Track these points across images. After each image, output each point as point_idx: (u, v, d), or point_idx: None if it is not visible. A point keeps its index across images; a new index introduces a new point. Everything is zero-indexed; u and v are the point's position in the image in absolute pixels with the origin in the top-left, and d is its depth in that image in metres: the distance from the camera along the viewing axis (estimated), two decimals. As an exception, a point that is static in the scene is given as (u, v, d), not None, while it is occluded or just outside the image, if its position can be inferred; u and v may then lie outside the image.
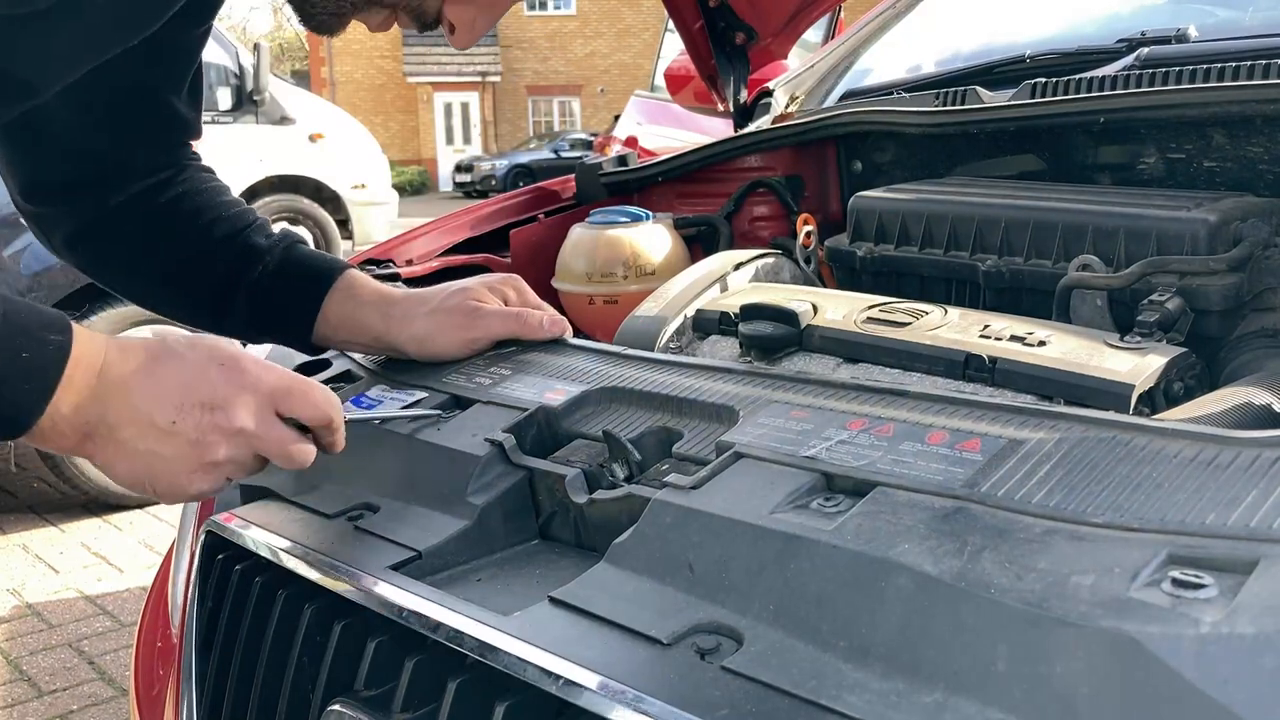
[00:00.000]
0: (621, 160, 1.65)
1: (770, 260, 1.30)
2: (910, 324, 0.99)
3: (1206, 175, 1.18)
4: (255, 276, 1.06)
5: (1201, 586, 0.49)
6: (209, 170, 1.12)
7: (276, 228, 1.13)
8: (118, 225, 1.04)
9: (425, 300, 1.05)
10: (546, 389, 0.91)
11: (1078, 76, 1.30)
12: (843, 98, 1.82)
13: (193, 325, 1.12)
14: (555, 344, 1.04)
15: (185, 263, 1.07)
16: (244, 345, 1.11)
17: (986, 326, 0.96)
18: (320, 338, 1.07)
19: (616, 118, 6.74)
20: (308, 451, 0.80)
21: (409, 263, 1.43)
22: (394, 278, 1.33)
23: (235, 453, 0.76)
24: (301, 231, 6.90)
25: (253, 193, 6.60)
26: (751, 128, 1.75)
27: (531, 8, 31.25)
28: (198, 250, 1.07)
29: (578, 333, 1.44)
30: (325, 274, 1.07)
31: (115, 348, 0.74)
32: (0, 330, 0.67)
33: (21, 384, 0.68)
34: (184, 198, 1.07)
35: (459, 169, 26.44)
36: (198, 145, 1.11)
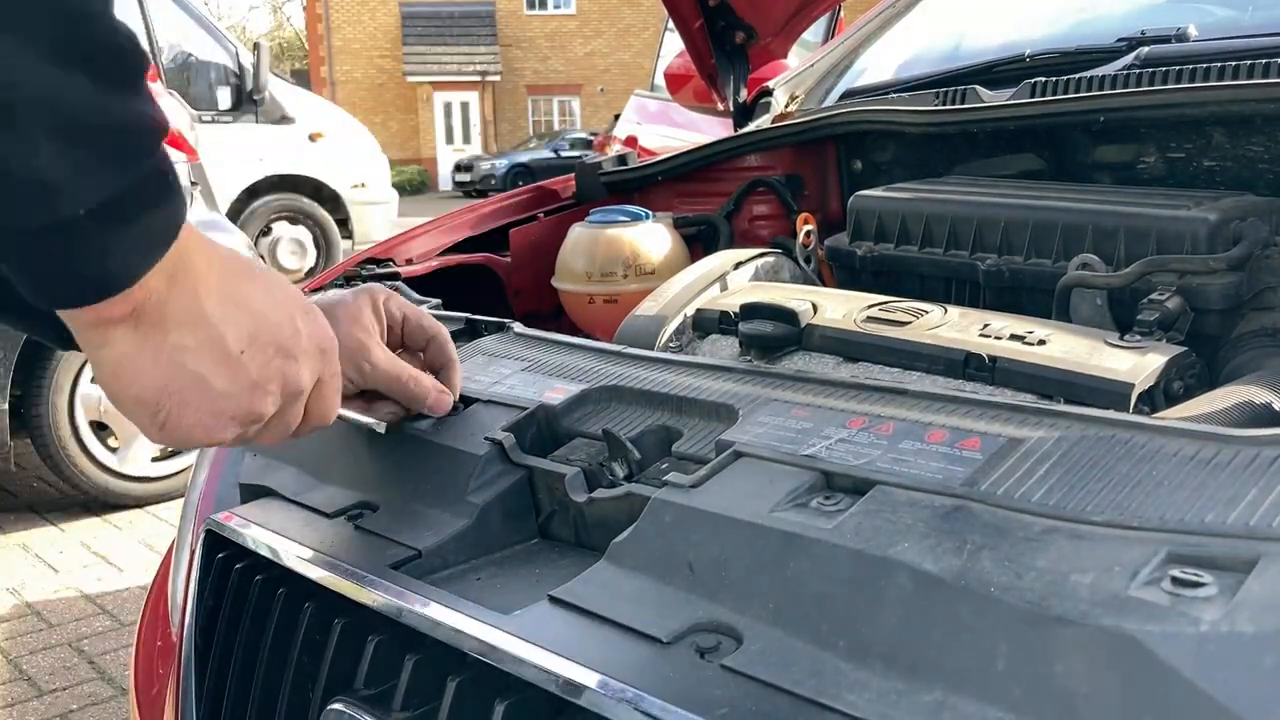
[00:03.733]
0: (621, 160, 1.65)
1: (770, 259, 1.30)
2: (910, 323, 0.99)
3: (1206, 174, 1.18)
4: None
5: (1201, 585, 0.49)
6: None
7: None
8: None
9: None
10: (546, 388, 0.91)
11: (1077, 76, 1.30)
12: (842, 97, 1.82)
13: None
14: (555, 344, 1.04)
15: None
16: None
17: (986, 325, 0.96)
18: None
19: (616, 117, 6.74)
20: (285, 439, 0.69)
21: (409, 262, 1.43)
22: (394, 276, 1.33)
23: (280, 413, 0.65)
24: (302, 231, 6.92)
25: (253, 192, 6.60)
26: (751, 127, 1.75)
27: (531, 7, 31.26)
28: None
29: (578, 332, 1.44)
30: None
31: (199, 237, 0.59)
32: (159, 153, 0.53)
33: (156, 216, 0.54)
34: None
35: (459, 168, 26.45)
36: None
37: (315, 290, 1.15)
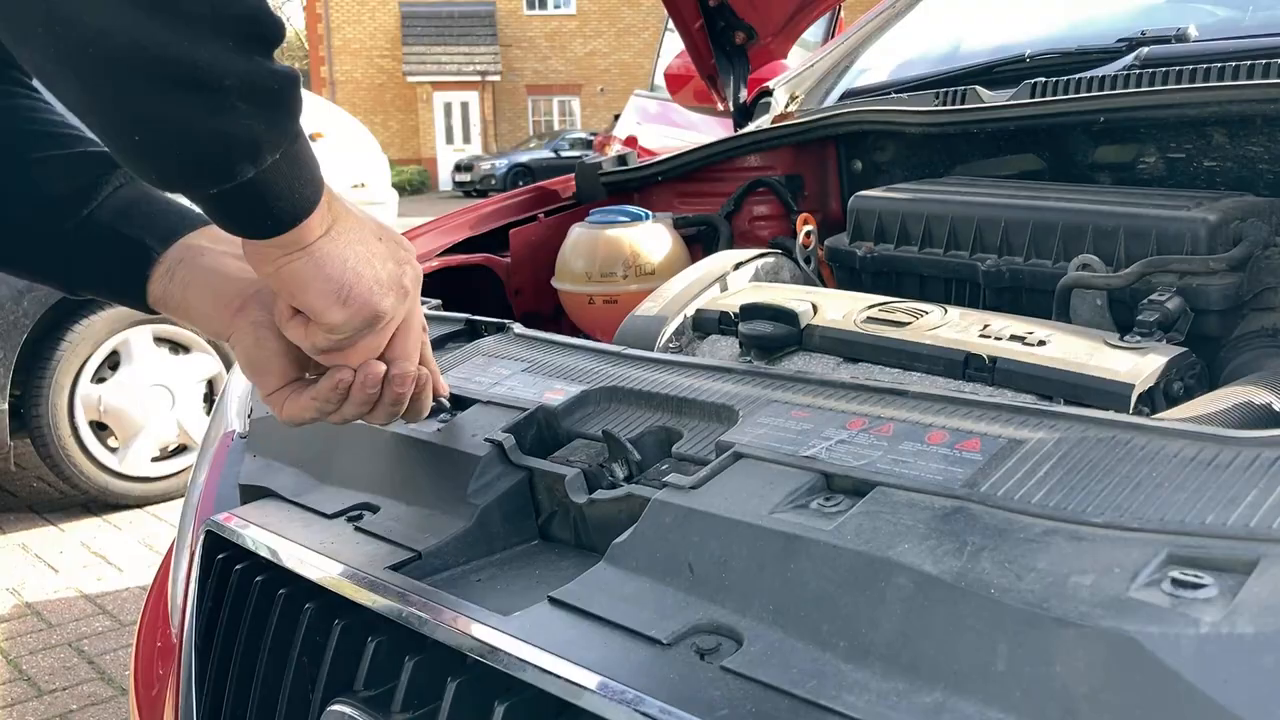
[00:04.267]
0: (621, 160, 1.64)
1: (770, 260, 1.30)
2: (910, 323, 0.99)
3: (1206, 175, 1.18)
4: (80, 220, 0.87)
5: (1201, 586, 0.49)
6: (43, 102, 0.92)
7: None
8: None
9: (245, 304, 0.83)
10: (546, 389, 0.91)
11: (1077, 76, 1.30)
12: (842, 97, 1.82)
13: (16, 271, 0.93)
14: (555, 344, 1.04)
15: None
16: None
17: (986, 326, 0.96)
18: (158, 306, 0.87)
19: (616, 117, 6.74)
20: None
21: (409, 262, 1.42)
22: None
23: (414, 291, 0.79)
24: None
25: (252, 192, 6.57)
26: (751, 127, 1.75)
27: (531, 7, 31.26)
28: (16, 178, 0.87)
29: (578, 332, 1.44)
30: (150, 244, 0.86)
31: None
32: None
33: (312, 164, 0.69)
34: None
35: (459, 168, 26.44)
36: None
37: None
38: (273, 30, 0.64)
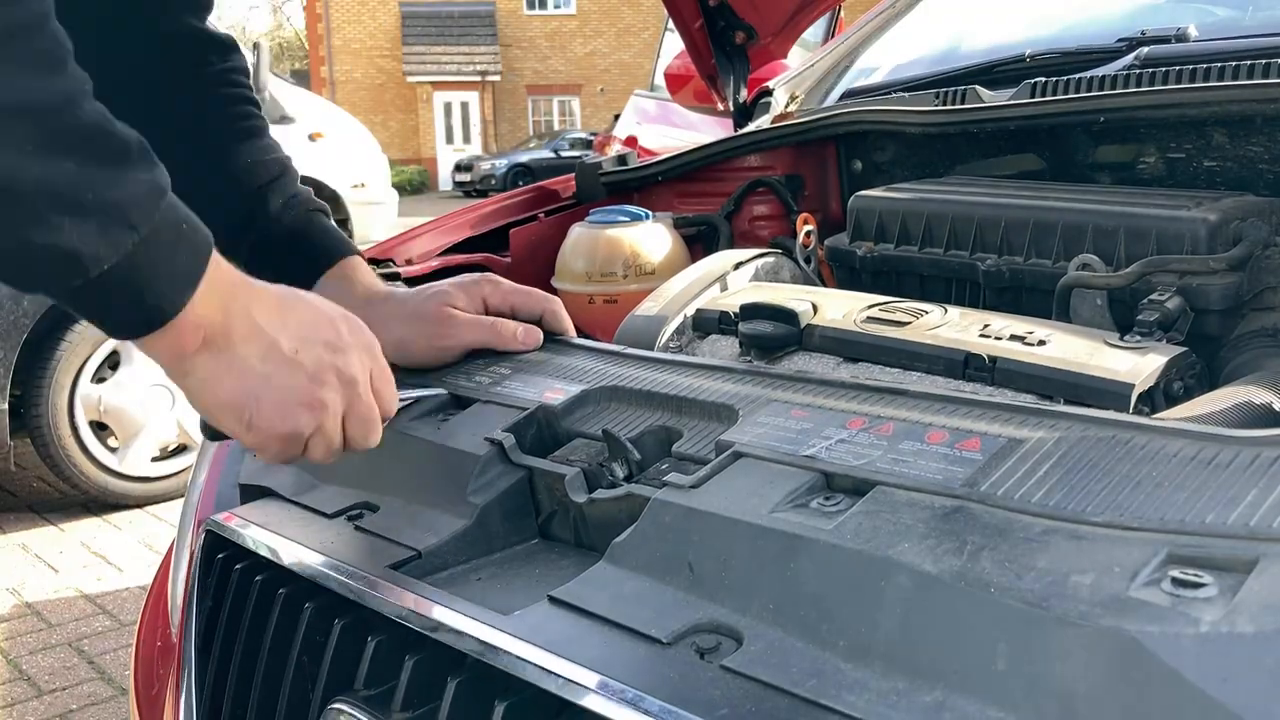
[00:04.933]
0: (621, 160, 1.64)
1: (770, 259, 1.30)
2: (910, 323, 0.99)
3: (1206, 174, 1.18)
4: (260, 233, 1.01)
5: (1201, 586, 0.49)
6: (250, 100, 1.06)
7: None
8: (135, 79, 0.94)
9: (404, 303, 1.02)
10: (546, 388, 0.91)
11: (1078, 76, 1.30)
12: (842, 97, 1.82)
13: None
14: (554, 343, 1.04)
15: (200, 179, 0.95)
16: None
17: (986, 326, 0.96)
18: None
19: (616, 117, 6.74)
20: (378, 433, 0.80)
21: (409, 262, 1.43)
22: (394, 277, 1.33)
23: (340, 403, 0.75)
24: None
25: (253, 192, 6.57)
26: (751, 127, 1.75)
27: (531, 7, 31.27)
28: (218, 175, 1.01)
29: (578, 332, 1.44)
30: (324, 256, 1.03)
31: (241, 275, 0.73)
32: (162, 208, 0.65)
33: (178, 258, 0.65)
34: (212, 113, 1.02)
35: (459, 168, 26.45)
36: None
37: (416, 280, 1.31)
38: (96, 138, 0.60)
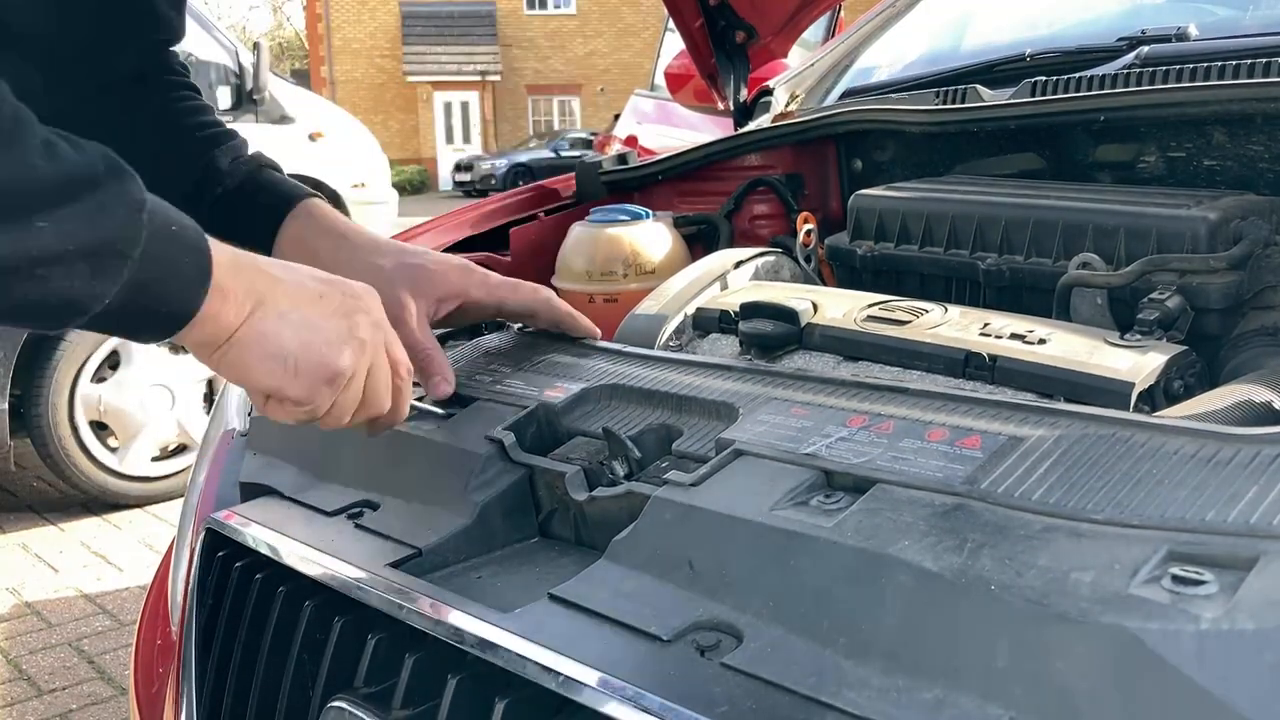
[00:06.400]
0: (621, 159, 1.64)
1: (770, 258, 1.30)
2: (910, 322, 0.99)
3: (1207, 173, 1.18)
4: (217, 194, 1.01)
5: (1201, 583, 0.49)
6: (191, 87, 1.08)
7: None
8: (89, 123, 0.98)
9: (380, 249, 0.99)
10: (546, 386, 0.91)
11: (1078, 75, 1.30)
12: (843, 96, 1.82)
13: None
14: (554, 342, 1.04)
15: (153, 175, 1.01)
16: None
17: (987, 324, 0.96)
18: None
19: (616, 117, 6.74)
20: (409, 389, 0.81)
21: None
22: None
23: (374, 338, 0.77)
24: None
25: (252, 191, 6.57)
26: (751, 126, 1.75)
27: (531, 7, 31.27)
28: (166, 162, 1.01)
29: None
30: (283, 202, 1.02)
31: (250, 256, 0.74)
32: (147, 221, 0.64)
33: (181, 262, 0.66)
34: (157, 108, 1.03)
35: (459, 168, 26.45)
36: None
37: None
38: (71, 182, 0.60)
